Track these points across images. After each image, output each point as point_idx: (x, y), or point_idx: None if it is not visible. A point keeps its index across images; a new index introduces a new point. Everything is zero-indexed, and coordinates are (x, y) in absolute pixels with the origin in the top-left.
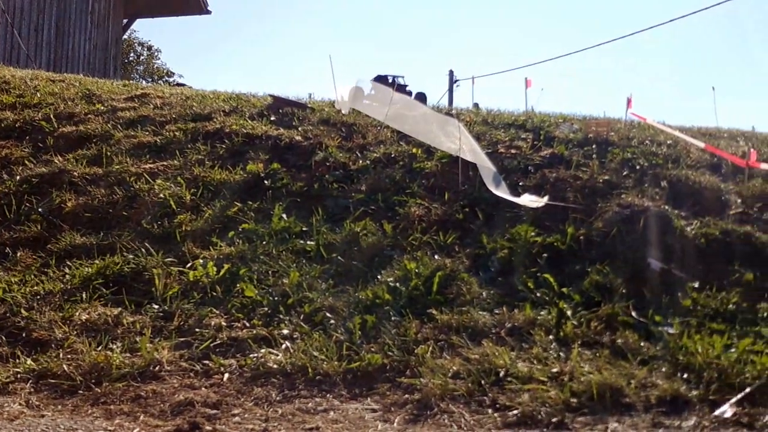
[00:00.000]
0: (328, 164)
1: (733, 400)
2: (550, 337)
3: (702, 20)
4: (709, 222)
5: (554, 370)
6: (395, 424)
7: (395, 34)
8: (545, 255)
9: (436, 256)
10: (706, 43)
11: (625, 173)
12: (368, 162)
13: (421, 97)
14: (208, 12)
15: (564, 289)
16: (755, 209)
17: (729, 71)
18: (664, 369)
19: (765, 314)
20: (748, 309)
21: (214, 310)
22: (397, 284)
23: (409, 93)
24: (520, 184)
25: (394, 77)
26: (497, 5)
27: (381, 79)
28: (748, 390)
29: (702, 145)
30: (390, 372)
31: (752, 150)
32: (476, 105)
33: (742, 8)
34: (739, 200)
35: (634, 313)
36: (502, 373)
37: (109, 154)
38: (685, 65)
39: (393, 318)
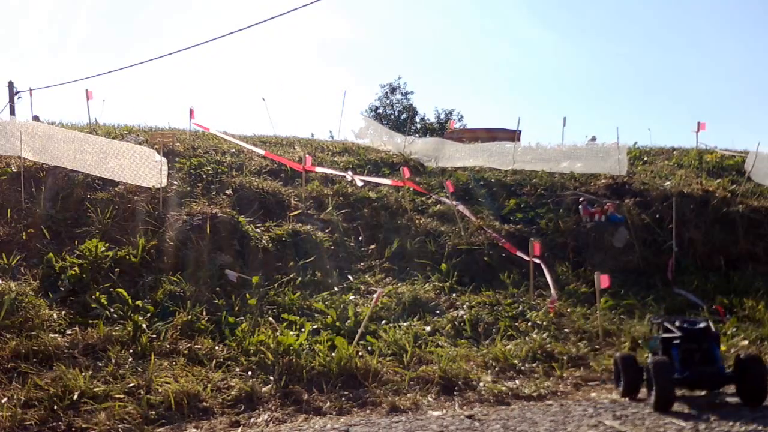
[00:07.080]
0: None
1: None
2: (127, 352)
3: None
4: (272, 225)
5: (131, 384)
6: None
7: None
8: (118, 269)
9: (0, 281)
10: (253, 56)
11: (192, 182)
12: None
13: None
14: None
15: (139, 302)
16: (313, 209)
17: (282, 83)
18: (238, 369)
19: (327, 303)
20: (306, 298)
21: None
22: None
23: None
24: (88, 197)
25: None
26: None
27: None
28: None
29: (262, 152)
30: None
31: (308, 155)
32: (36, 117)
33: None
34: (299, 202)
35: (208, 318)
36: (77, 396)
37: None
38: (243, 78)
39: None
